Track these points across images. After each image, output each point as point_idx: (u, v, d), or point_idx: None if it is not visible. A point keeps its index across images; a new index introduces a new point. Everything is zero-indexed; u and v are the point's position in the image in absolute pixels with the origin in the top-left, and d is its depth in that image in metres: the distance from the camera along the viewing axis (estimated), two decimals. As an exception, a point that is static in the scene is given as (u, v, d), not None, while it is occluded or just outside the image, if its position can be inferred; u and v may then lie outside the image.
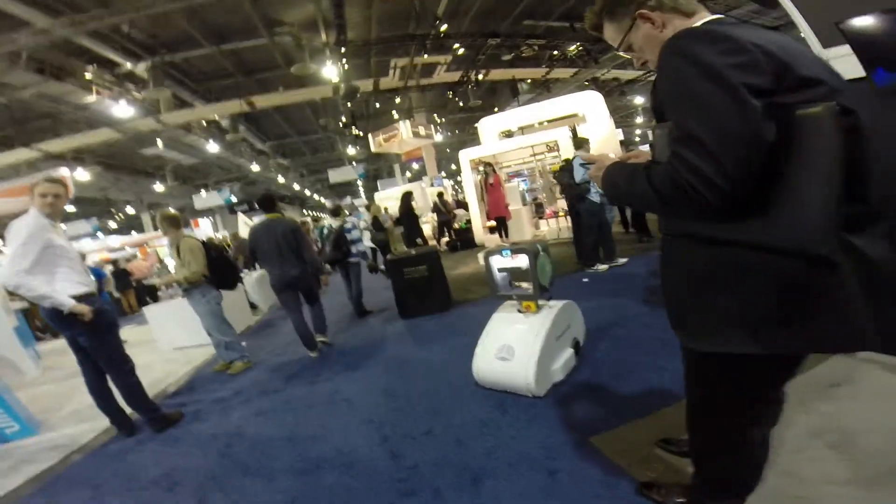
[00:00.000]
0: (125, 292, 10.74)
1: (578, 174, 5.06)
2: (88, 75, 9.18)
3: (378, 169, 28.40)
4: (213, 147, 15.67)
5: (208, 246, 4.12)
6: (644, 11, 1.09)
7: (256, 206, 4.43)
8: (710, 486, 1.40)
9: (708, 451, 1.35)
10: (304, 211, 35.75)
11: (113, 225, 25.63)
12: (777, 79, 0.86)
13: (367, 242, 7.96)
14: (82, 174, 13.59)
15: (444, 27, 10.20)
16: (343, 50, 9.97)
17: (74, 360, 2.97)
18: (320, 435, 2.61)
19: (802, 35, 2.21)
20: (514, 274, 2.84)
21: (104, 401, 3.02)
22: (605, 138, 8.81)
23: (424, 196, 13.40)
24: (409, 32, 10.80)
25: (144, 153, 15.17)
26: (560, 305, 2.75)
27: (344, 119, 15.26)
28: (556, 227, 9.03)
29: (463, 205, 11.46)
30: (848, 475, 1.48)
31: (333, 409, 2.97)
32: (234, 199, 19.37)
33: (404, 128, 14.94)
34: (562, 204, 8.17)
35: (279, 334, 5.56)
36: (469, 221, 10.24)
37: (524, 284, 2.78)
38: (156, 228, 18.63)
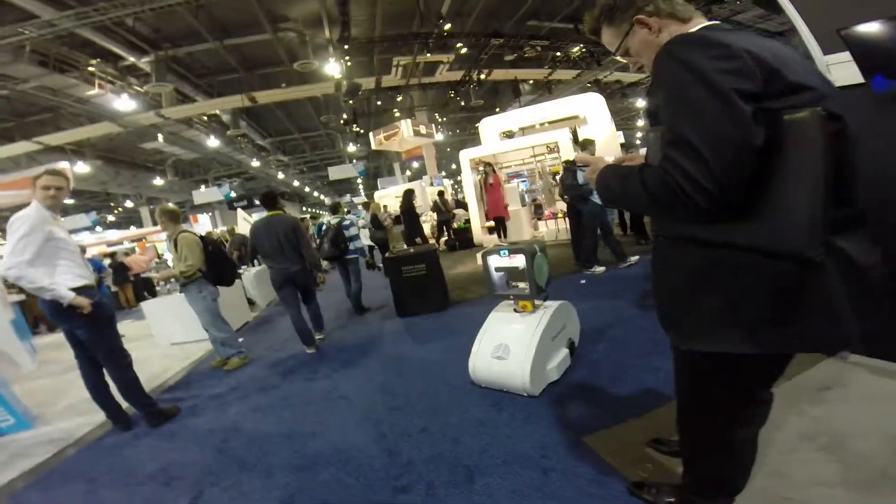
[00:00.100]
0: (123, 286, 10.71)
1: (581, 175, 5.08)
2: (91, 68, 9.16)
3: (378, 167, 28.39)
4: (213, 142, 15.65)
5: (206, 241, 4.12)
6: (641, 17, 1.11)
7: (259, 202, 4.46)
8: (700, 486, 1.42)
9: (697, 450, 1.37)
10: (304, 208, 35.75)
11: (111, 219, 25.62)
12: (766, 84, 0.88)
13: (366, 240, 7.98)
14: (82, 167, 13.56)
15: (447, 26, 10.19)
16: (346, 47, 9.97)
17: (71, 355, 2.96)
18: (317, 431, 2.62)
19: (804, 41, 2.22)
20: (512, 273, 2.85)
21: (101, 395, 3.02)
22: (605, 140, 8.82)
23: (424, 195, 13.41)
24: (412, 31, 10.80)
25: (145, 147, 15.15)
26: (556, 306, 2.77)
27: (345, 116, 15.26)
28: (555, 228, 9.05)
29: (462, 204, 11.47)
30: (837, 477, 1.50)
31: (331, 405, 2.98)
32: (233, 195, 19.40)
33: (405, 126, 14.95)
34: (560, 206, 8.18)
35: (277, 331, 5.57)
36: (468, 221, 10.25)
37: (521, 284, 2.80)
38: (155, 223, 18.64)
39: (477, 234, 9.75)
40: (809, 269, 0.88)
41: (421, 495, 1.85)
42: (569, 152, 8.05)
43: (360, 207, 12.40)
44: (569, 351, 2.80)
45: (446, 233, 10.97)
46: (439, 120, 18.55)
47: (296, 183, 27.88)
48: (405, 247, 6.47)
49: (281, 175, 24.20)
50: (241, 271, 7.29)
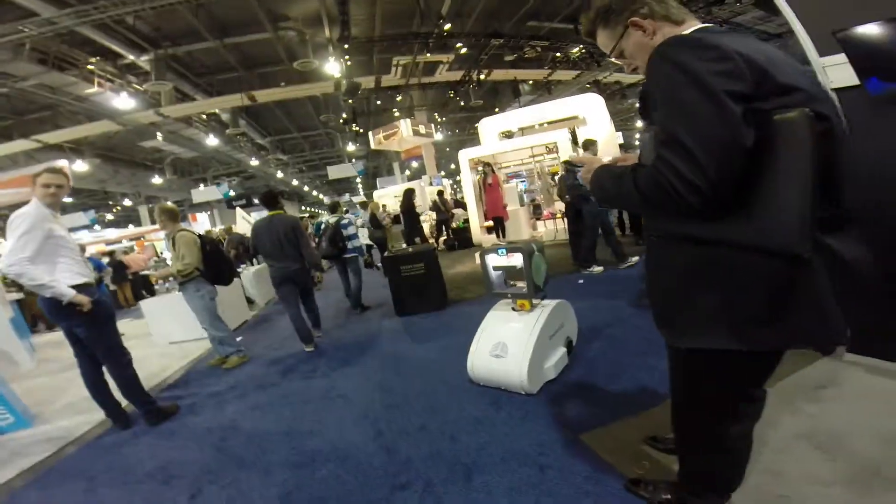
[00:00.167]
0: (121, 285, 10.70)
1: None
2: (91, 66, 9.15)
3: (377, 166, 28.39)
4: (212, 141, 15.64)
5: (204, 240, 4.12)
6: (636, 19, 1.13)
7: (260, 202, 4.52)
8: (695, 483, 1.44)
9: (692, 447, 1.39)
10: (303, 207, 35.72)
11: (110, 217, 25.57)
12: (757, 85, 0.90)
13: (364, 239, 7.98)
14: (81, 166, 13.54)
15: (447, 26, 10.20)
16: (346, 46, 9.97)
17: (69, 353, 2.97)
18: (316, 430, 2.63)
19: (801, 43, 2.24)
20: (510, 272, 2.87)
21: (100, 393, 3.02)
22: (605, 141, 8.83)
23: (423, 194, 13.42)
24: (412, 31, 10.80)
25: (144, 146, 15.15)
26: (553, 304, 2.79)
27: (345, 115, 15.25)
28: (554, 228, 9.07)
29: (461, 204, 11.48)
30: (831, 475, 1.51)
31: (329, 404, 2.99)
32: (232, 194, 19.37)
33: (405, 126, 14.95)
34: (559, 206, 8.20)
35: (275, 329, 5.58)
36: (467, 221, 10.26)
37: (519, 283, 2.81)
38: (153, 222, 18.60)
39: (476, 234, 9.76)
40: (798, 266, 0.90)
41: (419, 493, 1.86)
42: (568, 153, 8.06)
43: (357, 207, 12.36)
44: (566, 350, 2.82)
45: (445, 232, 10.99)
46: (439, 120, 18.56)
47: (295, 182, 27.86)
48: (404, 246, 6.47)
49: (280, 174, 24.19)
50: (240, 270, 7.30)
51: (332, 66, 11.04)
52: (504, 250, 2.83)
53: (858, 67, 1.95)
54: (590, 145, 5.51)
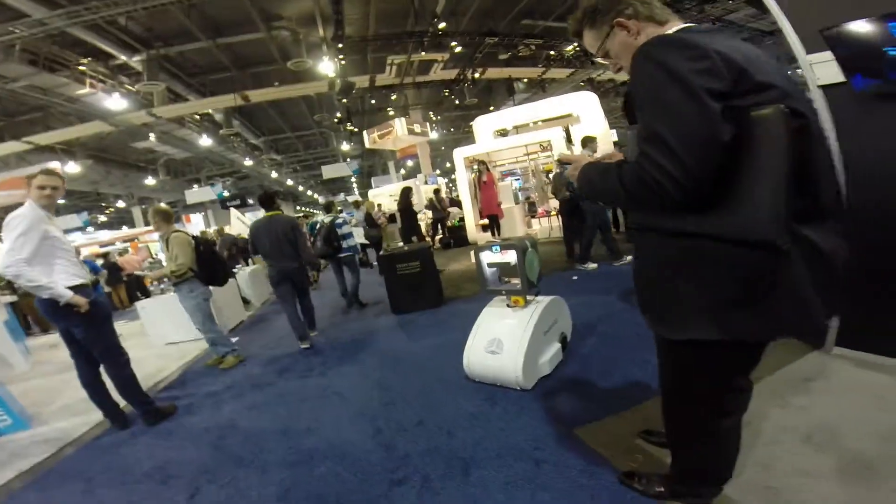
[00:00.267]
0: (116, 287, 10.65)
1: None
2: (82, 67, 9.07)
3: (372, 165, 28.31)
4: (206, 141, 15.54)
5: (198, 241, 4.13)
6: (621, 20, 1.16)
7: (258, 202, 4.62)
8: (687, 475, 1.47)
9: (683, 439, 1.42)
10: (298, 207, 35.58)
11: (103, 219, 25.36)
12: (735, 83, 0.93)
13: (360, 238, 7.98)
14: (73, 167, 13.43)
15: (442, 25, 10.21)
16: (340, 45, 9.95)
17: (64, 356, 2.97)
18: (313, 428, 2.65)
19: (788, 40, 2.27)
20: (504, 269, 2.90)
21: (97, 394, 3.02)
22: (599, 139, 8.87)
23: (419, 193, 13.41)
24: (406, 29, 10.79)
25: (136, 147, 15.03)
26: (547, 301, 2.82)
27: (339, 115, 15.21)
28: (548, 226, 9.11)
29: (456, 203, 11.49)
30: (820, 467, 1.55)
31: (326, 402, 3.01)
32: (226, 194, 19.25)
33: (399, 125, 14.93)
34: (554, 203, 8.24)
35: (271, 329, 5.58)
36: (462, 219, 10.28)
37: (513, 280, 2.84)
38: (147, 223, 18.46)
39: (471, 232, 9.79)
40: (776, 257, 0.93)
41: (416, 488, 1.89)
42: (562, 151, 8.09)
43: (351, 206, 12.28)
44: (561, 345, 2.86)
45: (441, 231, 10.99)
46: (433, 118, 18.55)
47: (289, 182, 27.74)
48: (400, 244, 6.49)
49: (274, 174, 24.08)
50: (234, 271, 7.28)
51: (326, 66, 11.00)
52: (498, 247, 2.86)
53: (844, 64, 1.99)
54: (589, 142, 5.54)
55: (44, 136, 11.85)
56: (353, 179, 29.99)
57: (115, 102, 10.27)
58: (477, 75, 13.58)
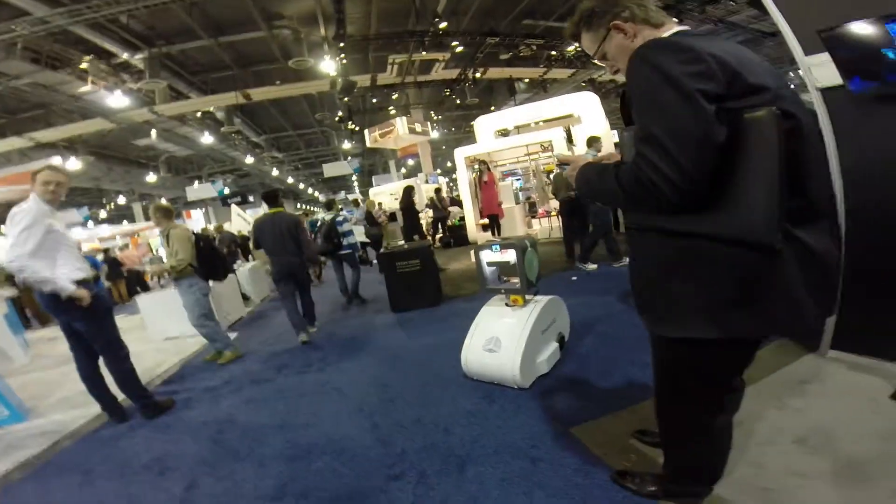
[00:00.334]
0: (116, 282, 10.66)
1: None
2: (84, 65, 9.09)
3: (373, 164, 28.32)
4: (207, 139, 15.55)
5: (198, 236, 4.16)
6: (618, 23, 1.18)
7: (262, 200, 4.75)
8: (680, 475, 1.49)
9: (676, 438, 1.43)
10: (298, 205, 35.58)
11: (103, 215, 25.37)
12: (729, 86, 0.95)
13: (360, 237, 7.99)
14: (74, 163, 13.44)
15: (443, 25, 10.21)
16: (342, 44, 9.95)
17: (63, 349, 2.98)
18: (311, 423, 2.66)
19: (787, 42, 2.27)
20: (503, 268, 2.91)
21: (96, 387, 3.03)
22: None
23: (419, 192, 13.42)
24: (408, 29, 10.79)
25: (138, 144, 15.06)
26: (546, 300, 2.83)
27: (340, 113, 15.22)
28: (549, 226, 9.11)
29: (457, 202, 11.50)
30: (812, 468, 1.55)
31: (324, 398, 3.02)
32: (226, 192, 19.27)
33: (401, 124, 14.93)
34: (554, 204, 8.24)
35: (271, 325, 5.59)
36: (462, 218, 10.28)
37: (512, 279, 2.86)
38: (147, 219, 18.49)
39: (471, 232, 9.80)
40: (769, 257, 0.95)
41: (413, 483, 1.90)
42: (563, 151, 8.10)
43: (350, 204, 12.26)
44: (558, 345, 2.87)
45: (441, 230, 11.01)
46: (435, 118, 18.55)
47: (290, 180, 27.74)
48: (400, 243, 6.51)
49: (275, 172, 24.08)
50: (235, 267, 7.30)
51: (328, 65, 11.00)
52: (498, 246, 2.87)
53: (842, 66, 1.99)
54: (594, 142, 5.55)
55: (45, 132, 11.87)
56: (353, 178, 29.99)
57: (117, 100, 10.28)
58: (478, 75, 13.57)
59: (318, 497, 1.93)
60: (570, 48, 12.89)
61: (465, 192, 9.64)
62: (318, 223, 5.61)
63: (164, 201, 4.45)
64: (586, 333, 3.27)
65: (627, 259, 5.37)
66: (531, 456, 1.94)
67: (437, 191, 11.20)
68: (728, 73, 0.95)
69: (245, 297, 7.14)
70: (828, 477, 1.51)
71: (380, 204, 10.46)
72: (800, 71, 2.20)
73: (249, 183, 25.79)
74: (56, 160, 7.88)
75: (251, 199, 19.61)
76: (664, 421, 1.44)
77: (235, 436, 2.67)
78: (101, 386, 3.05)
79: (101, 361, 3.03)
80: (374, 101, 16.04)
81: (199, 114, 14.14)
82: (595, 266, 5.40)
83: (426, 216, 11.53)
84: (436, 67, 13.22)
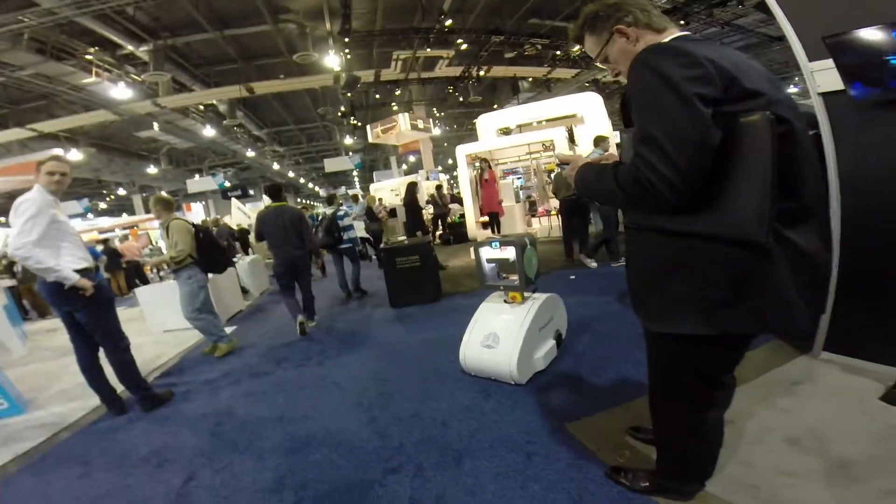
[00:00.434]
0: (115, 273, 10.65)
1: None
2: (89, 56, 9.09)
3: (374, 160, 28.32)
4: (209, 132, 15.55)
5: (198, 228, 4.15)
6: (621, 27, 1.20)
7: (266, 194, 4.83)
8: (672, 471, 1.51)
9: (669, 434, 1.46)
10: (298, 200, 35.57)
11: (103, 206, 25.36)
12: (726, 90, 0.98)
13: (360, 232, 8.01)
14: (75, 154, 13.45)
15: (448, 22, 10.20)
16: (347, 40, 9.95)
17: (61, 341, 2.98)
18: (310, 416, 2.68)
19: (792, 47, 2.28)
20: (502, 265, 2.93)
21: (95, 379, 3.03)
22: (601, 140, 8.87)
23: (420, 189, 13.42)
24: (413, 25, 10.79)
25: (139, 136, 15.03)
26: (544, 298, 2.86)
27: (343, 109, 15.21)
28: (548, 225, 9.13)
29: (457, 199, 11.51)
30: (801, 467, 1.58)
31: (323, 391, 3.04)
32: (227, 184, 19.25)
33: (403, 120, 14.93)
34: (554, 202, 8.25)
35: (270, 319, 5.61)
36: (462, 216, 10.30)
37: (511, 276, 2.88)
38: (147, 211, 18.46)
39: (471, 229, 9.81)
40: (760, 256, 0.99)
41: (410, 476, 1.92)
42: (565, 151, 8.10)
43: (350, 200, 12.23)
44: (555, 342, 2.89)
45: (441, 227, 11.03)
46: (437, 115, 18.52)
47: (291, 174, 27.76)
48: (401, 238, 6.53)
49: (276, 166, 24.08)
50: (235, 260, 7.31)
51: (332, 60, 11.01)
52: (497, 243, 2.89)
53: (844, 72, 2.01)
54: (601, 141, 5.57)
55: (48, 123, 11.88)
56: (354, 173, 29.96)
57: (121, 92, 10.29)
58: (482, 73, 13.57)
59: (317, 489, 1.95)
60: (575, 48, 12.85)
61: (465, 190, 9.65)
62: (320, 217, 5.65)
63: (164, 193, 4.47)
64: (583, 331, 3.29)
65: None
66: (527, 450, 1.97)
67: (439, 188, 11.21)
68: (725, 78, 0.98)
69: (244, 291, 7.16)
70: (817, 476, 1.53)
71: (380, 200, 10.47)
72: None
73: (250, 176, 25.78)
74: (57, 151, 7.88)
75: (251, 192, 19.60)
76: (658, 417, 1.47)
77: (234, 428, 2.68)
78: (100, 378, 3.05)
79: (101, 354, 3.04)
80: (377, 96, 16.04)
81: (201, 106, 14.15)
82: (596, 264, 5.42)
83: (426, 213, 11.55)
84: (440, 64, 13.21)
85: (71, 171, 2.88)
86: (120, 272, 10.81)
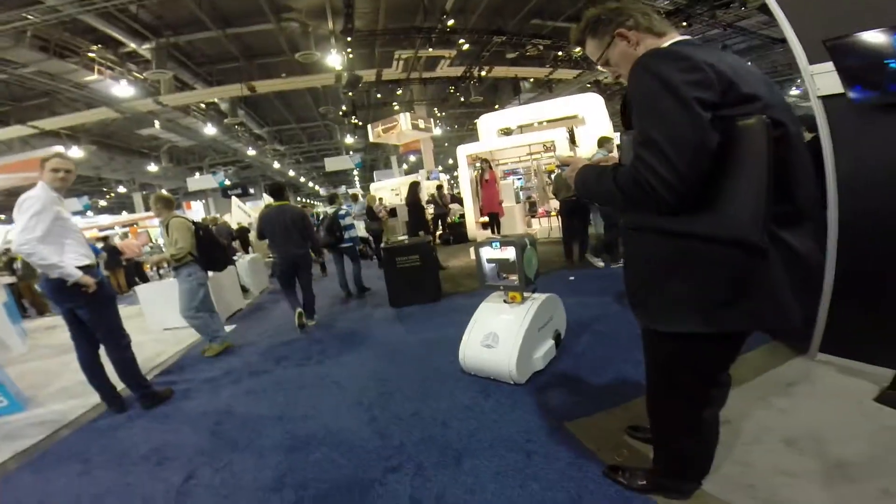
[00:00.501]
0: (115, 271, 10.64)
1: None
2: (92, 54, 9.10)
3: (375, 159, 28.32)
4: (210, 130, 15.56)
5: (198, 226, 4.15)
6: (622, 31, 1.22)
7: (268, 193, 4.87)
8: (669, 469, 1.53)
9: (666, 432, 1.48)
10: (298, 199, 35.59)
11: (103, 203, 25.34)
12: (724, 94, 1.00)
13: (360, 231, 8.02)
14: (76, 152, 13.43)
15: (451, 22, 10.21)
16: (349, 39, 9.96)
17: (61, 339, 2.98)
18: (310, 414, 2.69)
19: (792, 50, 2.28)
20: (502, 265, 2.94)
21: (96, 377, 3.04)
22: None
23: (421, 188, 13.40)
24: (415, 25, 10.79)
25: (141, 133, 15.05)
26: (543, 298, 2.87)
27: (344, 108, 15.21)
28: (548, 226, 9.14)
29: (457, 199, 11.51)
30: (797, 467, 1.59)
31: (323, 390, 3.04)
32: (227, 183, 19.26)
33: (404, 120, 14.93)
34: (554, 204, 8.26)
35: (269, 318, 5.62)
36: (462, 216, 10.30)
37: (511, 276, 2.89)
38: (147, 209, 18.45)
39: (471, 229, 9.81)
40: (756, 256, 1.01)
41: (410, 475, 1.93)
42: (565, 151, 8.11)
43: (349, 199, 12.22)
44: (555, 342, 2.91)
45: (441, 227, 11.03)
46: (438, 115, 18.54)
47: (291, 173, 27.78)
48: (401, 238, 6.55)
49: (276, 164, 24.09)
50: (235, 258, 7.32)
51: (334, 59, 11.01)
52: (498, 243, 2.90)
53: (844, 75, 2.02)
54: (605, 142, 5.59)
55: (49, 121, 11.89)
56: (355, 173, 29.99)
57: (123, 89, 10.31)
58: (483, 73, 13.57)
59: (317, 488, 1.95)
60: (577, 49, 12.86)
61: (466, 190, 9.64)
62: (321, 216, 5.70)
63: (164, 191, 4.49)
64: (582, 332, 3.31)
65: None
66: (526, 449, 1.98)
67: (439, 188, 11.21)
68: (724, 83, 1.00)
69: (244, 290, 7.16)
70: (814, 476, 1.54)
71: (381, 199, 10.48)
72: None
73: (250, 175, 25.79)
74: (58, 149, 7.88)
75: (252, 190, 19.63)
76: (655, 415, 1.48)
77: (234, 427, 2.69)
78: (101, 375, 3.05)
79: (101, 351, 3.04)
80: (379, 96, 16.05)
81: (203, 105, 14.15)
82: (603, 264, 5.44)
83: (427, 213, 11.54)
84: (441, 64, 13.22)
85: (75, 169, 2.89)
86: (120, 270, 10.80)
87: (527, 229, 9.66)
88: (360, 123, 16.59)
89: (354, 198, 10.23)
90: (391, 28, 10.92)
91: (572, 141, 8.80)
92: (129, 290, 10.05)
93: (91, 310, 2.83)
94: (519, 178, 11.67)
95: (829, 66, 2.05)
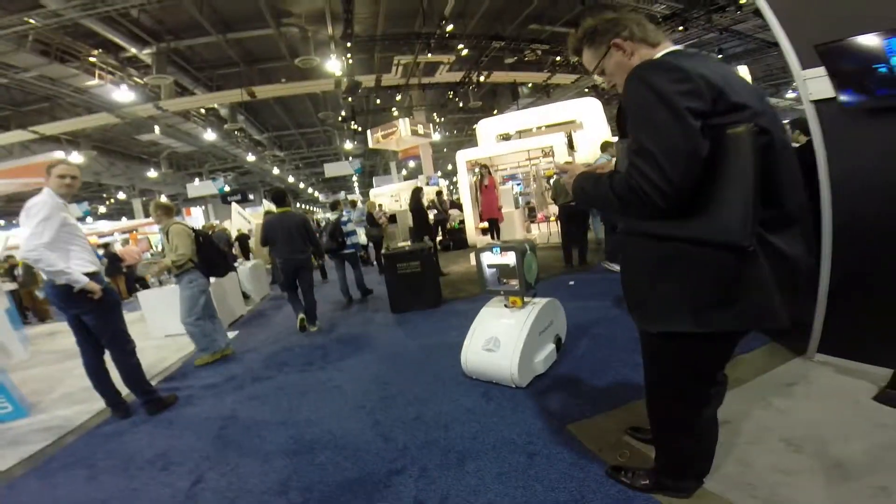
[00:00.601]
0: (115, 277, 10.65)
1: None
2: (93, 59, 9.14)
3: (374, 165, 28.39)
4: (210, 135, 15.59)
5: (198, 232, 4.19)
6: (618, 41, 1.26)
7: (271, 200, 4.98)
8: (671, 468, 1.56)
9: (666, 432, 1.51)
10: (298, 205, 35.61)
11: (103, 210, 25.34)
12: (714, 104, 1.05)
13: (360, 237, 8.06)
14: (76, 157, 13.46)
15: (450, 27, 10.27)
16: (349, 44, 10.01)
17: (64, 344, 2.99)
18: (313, 419, 2.71)
19: (785, 54, 2.32)
20: (503, 270, 2.98)
21: (101, 382, 3.05)
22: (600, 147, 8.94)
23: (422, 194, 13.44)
24: (414, 30, 10.86)
25: (140, 139, 15.06)
26: (544, 302, 2.90)
27: (343, 113, 15.26)
28: (547, 231, 9.17)
29: (457, 205, 11.55)
30: (796, 466, 1.62)
31: (326, 395, 3.07)
32: (227, 189, 19.30)
33: (403, 125, 14.96)
34: (553, 209, 8.30)
35: (271, 324, 5.64)
36: (462, 222, 10.33)
37: (512, 281, 2.92)
38: (147, 215, 18.48)
39: (471, 235, 9.84)
40: (745, 258, 1.06)
41: (415, 477, 1.96)
42: (564, 157, 8.16)
43: (348, 205, 12.22)
44: (555, 346, 2.94)
45: (441, 233, 11.05)
46: (437, 120, 18.60)
47: (290, 179, 27.78)
48: (401, 244, 6.58)
49: (276, 170, 24.12)
50: (236, 265, 7.35)
51: (334, 64, 11.06)
52: (498, 249, 2.94)
53: (836, 80, 2.06)
54: (608, 147, 5.64)
55: (49, 126, 11.89)
56: (354, 178, 30.06)
57: (123, 94, 10.33)
58: (482, 78, 13.64)
59: (322, 491, 1.98)
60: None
61: (465, 196, 9.68)
62: (323, 223, 5.78)
63: (164, 198, 4.52)
64: (582, 335, 3.34)
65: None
66: (528, 451, 2.00)
67: (439, 193, 11.24)
68: (714, 92, 1.05)
69: (245, 296, 7.18)
70: (813, 474, 1.57)
71: (380, 205, 10.50)
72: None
73: (250, 181, 25.82)
74: (58, 154, 7.90)
75: (251, 197, 19.67)
76: (655, 416, 1.51)
77: (238, 431, 2.71)
78: (106, 381, 3.06)
79: (106, 357, 3.06)
80: (378, 101, 16.12)
81: (202, 110, 14.20)
82: (619, 267, 5.47)
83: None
84: (440, 70, 13.29)
85: (80, 175, 2.92)
86: (120, 276, 10.82)
87: (526, 234, 9.69)
88: (360, 129, 16.63)
89: (353, 204, 10.24)
90: (390, 33, 10.99)
91: (570, 146, 8.86)
92: (129, 297, 10.05)
93: (96, 316, 2.85)
94: (518, 184, 11.71)
95: (821, 70, 2.10)
